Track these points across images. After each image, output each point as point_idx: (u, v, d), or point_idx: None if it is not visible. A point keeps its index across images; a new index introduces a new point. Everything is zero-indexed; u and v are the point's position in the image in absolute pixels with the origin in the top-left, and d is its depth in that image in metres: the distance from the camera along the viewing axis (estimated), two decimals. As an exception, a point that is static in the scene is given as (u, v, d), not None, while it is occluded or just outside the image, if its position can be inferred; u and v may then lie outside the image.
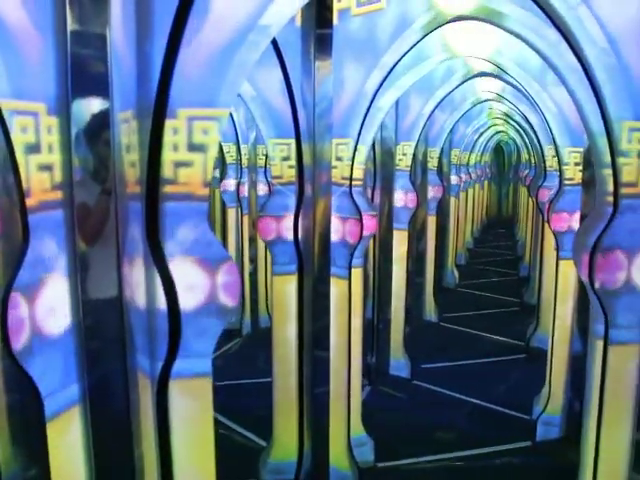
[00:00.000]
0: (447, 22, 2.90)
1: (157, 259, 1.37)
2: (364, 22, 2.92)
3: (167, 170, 1.39)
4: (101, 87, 1.44)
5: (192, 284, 1.43)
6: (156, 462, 1.50)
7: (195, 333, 1.43)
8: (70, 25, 1.36)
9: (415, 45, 2.98)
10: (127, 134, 1.44)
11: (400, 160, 4.57)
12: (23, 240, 1.29)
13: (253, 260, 6.12)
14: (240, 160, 5.82)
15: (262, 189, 5.72)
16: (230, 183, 5.95)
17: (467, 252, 10.00)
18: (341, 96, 2.90)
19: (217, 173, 6.03)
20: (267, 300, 6.00)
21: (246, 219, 5.97)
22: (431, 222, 6.16)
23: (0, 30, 1.25)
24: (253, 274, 6.11)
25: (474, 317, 6.59)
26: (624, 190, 1.96)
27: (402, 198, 4.57)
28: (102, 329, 1.48)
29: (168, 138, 1.37)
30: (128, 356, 1.51)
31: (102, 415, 1.48)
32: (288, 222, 2.84)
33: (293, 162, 2.84)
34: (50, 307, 1.35)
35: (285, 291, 2.96)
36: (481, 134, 9.53)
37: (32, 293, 1.31)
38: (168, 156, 1.38)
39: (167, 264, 1.37)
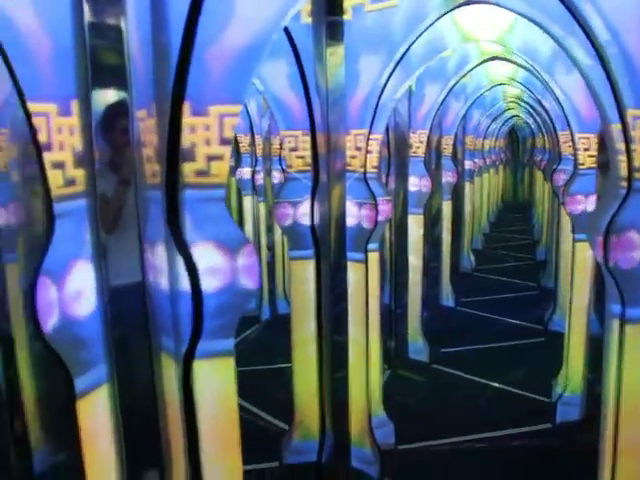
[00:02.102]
0: (458, 6, 2.91)
1: (179, 244, 1.42)
2: (378, 17, 2.94)
3: (200, 163, 1.46)
4: (119, 79, 1.48)
5: (213, 267, 1.47)
6: (182, 440, 1.55)
7: (217, 314, 1.48)
8: (87, 19, 1.40)
9: (426, 30, 3.00)
10: (146, 124, 1.48)
11: (418, 148, 4.58)
12: (49, 228, 1.34)
13: (270, 247, 6.16)
14: (254, 149, 5.86)
15: (277, 177, 5.76)
16: (245, 171, 6.00)
17: (483, 237, 10.00)
18: (357, 88, 2.92)
19: (232, 162, 6.07)
20: (285, 286, 6.07)
21: (262, 206, 6.03)
22: (446, 207, 6.17)
23: (13, 29, 1.28)
24: (271, 261, 6.16)
25: (491, 301, 6.60)
26: (637, 175, 1.98)
27: (417, 183, 4.59)
28: (127, 312, 1.53)
29: (201, 133, 1.44)
30: (152, 338, 1.56)
31: (129, 394, 1.54)
32: (304, 208, 2.89)
33: (301, 152, 2.89)
34: (77, 291, 1.40)
35: (302, 276, 3.00)
36: (495, 119, 9.49)
37: (60, 277, 1.36)
38: (201, 150, 1.46)
39: (189, 249, 1.42)
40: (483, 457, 3.48)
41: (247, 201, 6.08)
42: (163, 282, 1.49)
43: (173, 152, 1.40)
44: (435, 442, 3.60)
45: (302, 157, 2.93)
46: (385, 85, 2.93)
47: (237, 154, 5.96)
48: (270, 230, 6.12)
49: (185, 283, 1.43)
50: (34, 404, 3.10)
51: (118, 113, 1.49)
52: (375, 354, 3.43)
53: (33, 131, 1.29)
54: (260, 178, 5.92)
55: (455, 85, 4.65)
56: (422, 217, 4.73)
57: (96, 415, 1.47)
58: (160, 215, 1.48)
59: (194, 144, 1.44)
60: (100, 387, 1.47)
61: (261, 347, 5.12)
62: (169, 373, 1.56)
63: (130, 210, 1.54)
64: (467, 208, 7.92)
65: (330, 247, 2.90)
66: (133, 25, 1.47)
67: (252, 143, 5.86)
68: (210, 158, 1.47)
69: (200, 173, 1.46)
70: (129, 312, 1.54)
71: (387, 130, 4.41)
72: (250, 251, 1.52)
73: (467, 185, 7.86)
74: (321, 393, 3.14)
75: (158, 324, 1.54)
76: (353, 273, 3.03)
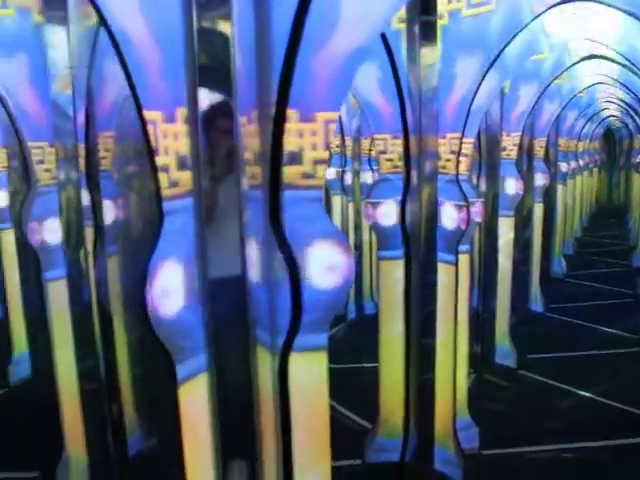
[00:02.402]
0: (555, 5, 2.87)
1: (280, 242, 1.48)
2: (474, 20, 2.92)
3: (307, 166, 1.53)
4: (225, 85, 1.55)
5: (313, 265, 1.53)
6: (274, 430, 1.62)
7: (315, 309, 1.54)
8: (195, 27, 1.48)
9: (521, 30, 2.96)
10: (247, 129, 1.55)
11: (511, 150, 4.52)
12: (159, 224, 1.43)
13: (357, 247, 6.20)
14: (344, 150, 5.92)
15: (366, 177, 5.81)
16: (332, 171, 6.07)
17: (575, 241, 9.72)
18: (452, 92, 2.92)
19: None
20: (372, 286, 6.10)
21: (350, 206, 6.09)
22: (538, 210, 6.05)
23: (127, 42, 1.37)
24: (358, 261, 6.20)
25: (583, 308, 6.42)
26: None
27: (508, 185, 4.53)
28: (226, 304, 1.61)
29: (308, 138, 1.52)
30: (250, 330, 1.63)
31: (226, 384, 1.62)
32: (395, 208, 2.92)
33: (390, 155, 2.93)
34: (181, 283, 1.50)
35: (392, 276, 3.03)
36: (590, 119, 9.21)
37: (167, 270, 1.45)
38: (308, 154, 1.53)
39: (290, 246, 1.48)
40: (571, 467, 3.40)
41: (336, 200, 6.16)
42: (262, 277, 1.56)
43: (277, 155, 1.46)
44: (520, 449, 3.55)
45: (391, 160, 2.96)
46: (479, 87, 2.91)
47: (326, 153, 6.01)
48: (357, 229, 6.17)
49: (285, 279, 1.49)
50: (129, 390, 3.27)
51: (222, 117, 1.57)
52: (462, 357, 3.41)
53: (146, 136, 1.38)
54: (348, 178, 5.98)
55: (549, 86, 4.56)
56: (513, 219, 4.65)
57: (196, 402, 1.56)
58: (260, 214, 1.54)
59: (302, 148, 1.50)
60: (199, 375, 1.56)
61: (346, 346, 5.17)
62: (264, 365, 1.63)
63: (232, 208, 1.61)
64: (559, 211, 7.72)
65: (420, 248, 2.91)
66: (238, 31, 1.53)
67: (342, 143, 5.93)
68: (316, 162, 1.53)
69: (306, 176, 1.53)
70: (228, 304, 1.62)
71: (478, 132, 4.37)
72: (347, 249, 1.57)
73: (559, 188, 7.66)
74: (407, 393, 3.16)
75: (255, 317, 1.61)
76: (443, 274, 3.03)
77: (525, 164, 5.67)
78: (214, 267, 1.58)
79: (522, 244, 5.72)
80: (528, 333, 5.24)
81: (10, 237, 4.45)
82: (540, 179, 5.86)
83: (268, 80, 1.46)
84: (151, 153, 1.40)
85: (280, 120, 1.44)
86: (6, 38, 2.61)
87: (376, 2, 1.56)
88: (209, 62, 1.52)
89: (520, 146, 4.65)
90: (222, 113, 1.56)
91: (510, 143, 4.46)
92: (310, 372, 1.61)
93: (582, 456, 3.48)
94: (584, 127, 9.21)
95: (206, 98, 1.53)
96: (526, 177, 5.54)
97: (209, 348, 1.56)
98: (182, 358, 1.49)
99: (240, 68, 1.53)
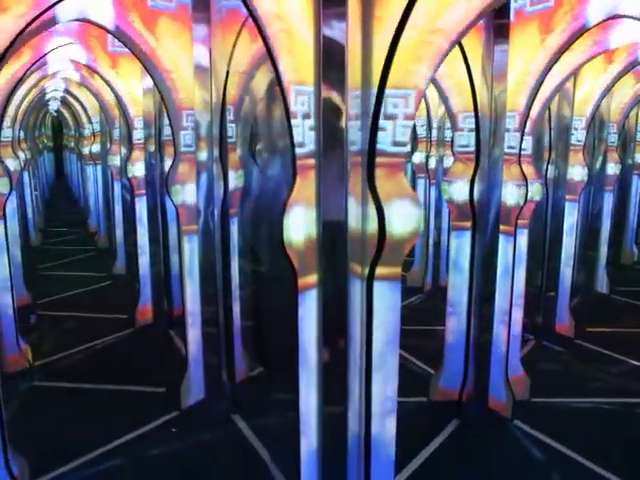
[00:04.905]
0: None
1: (374, 197, 2.07)
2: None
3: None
4: (340, 70, 2.14)
5: (397, 213, 2.11)
6: (360, 330, 2.25)
7: (393, 246, 2.13)
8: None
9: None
10: (356, 106, 2.14)
11: (580, 139, 4.80)
12: (293, 180, 2.11)
13: (437, 228, 6.67)
14: (430, 137, 6.41)
15: (448, 161, 6.24)
16: (418, 156, 6.59)
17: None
18: (521, 85, 3.36)
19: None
20: (448, 263, 6.55)
21: (433, 189, 6.54)
22: (608, 198, 6.27)
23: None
24: (437, 241, 6.66)
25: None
26: None
27: (574, 171, 4.88)
28: (335, 241, 2.25)
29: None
30: (349, 260, 2.26)
31: (331, 295, 2.28)
32: (465, 186, 3.46)
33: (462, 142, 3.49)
34: (297, 223, 2.15)
35: (461, 244, 3.60)
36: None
37: (297, 209, 2.13)
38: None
39: (380, 201, 2.07)
40: (610, 415, 3.85)
41: (420, 184, 6.62)
42: (358, 221, 2.17)
43: (374, 133, 2.07)
44: (566, 400, 4.02)
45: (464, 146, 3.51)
46: (543, 78, 3.30)
47: (414, 140, 6.45)
48: (438, 214, 6.60)
49: (374, 223, 2.09)
50: (240, 332, 3.97)
51: (337, 98, 2.18)
52: (516, 320, 3.86)
53: (290, 124, 2.05)
54: (432, 162, 6.42)
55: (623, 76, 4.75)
56: (578, 204, 4.98)
57: (309, 306, 2.22)
58: (360, 177, 2.14)
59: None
60: (311, 290, 2.22)
61: (421, 312, 5.77)
62: (354, 284, 2.25)
63: (340, 174, 2.24)
64: (632, 199, 7.83)
65: (487, 221, 3.44)
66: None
67: (428, 129, 6.42)
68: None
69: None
70: (337, 241, 2.25)
71: (549, 119, 4.79)
72: (418, 202, 2.16)
73: (634, 177, 7.77)
74: (467, 347, 3.72)
75: (352, 250, 2.23)
76: (503, 245, 3.52)
77: (601, 152, 5.96)
78: (328, 211, 2.22)
79: (591, 230, 6.06)
80: (590, 310, 5.62)
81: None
82: (612, 169, 6.13)
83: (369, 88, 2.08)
84: (291, 134, 2.07)
85: (376, 118, 2.05)
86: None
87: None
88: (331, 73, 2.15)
89: (589, 133, 4.90)
90: (338, 110, 2.19)
91: (580, 129, 4.78)
92: (389, 292, 2.19)
93: (622, 409, 3.92)
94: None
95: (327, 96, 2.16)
96: (601, 165, 5.87)
97: (320, 270, 2.21)
98: (303, 273, 2.16)
99: (350, 78, 2.14)
